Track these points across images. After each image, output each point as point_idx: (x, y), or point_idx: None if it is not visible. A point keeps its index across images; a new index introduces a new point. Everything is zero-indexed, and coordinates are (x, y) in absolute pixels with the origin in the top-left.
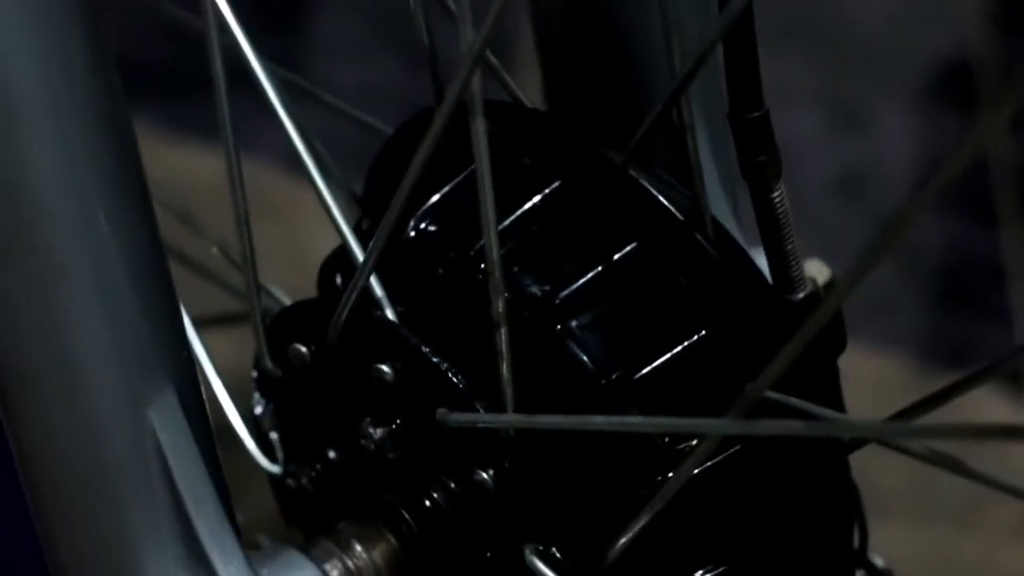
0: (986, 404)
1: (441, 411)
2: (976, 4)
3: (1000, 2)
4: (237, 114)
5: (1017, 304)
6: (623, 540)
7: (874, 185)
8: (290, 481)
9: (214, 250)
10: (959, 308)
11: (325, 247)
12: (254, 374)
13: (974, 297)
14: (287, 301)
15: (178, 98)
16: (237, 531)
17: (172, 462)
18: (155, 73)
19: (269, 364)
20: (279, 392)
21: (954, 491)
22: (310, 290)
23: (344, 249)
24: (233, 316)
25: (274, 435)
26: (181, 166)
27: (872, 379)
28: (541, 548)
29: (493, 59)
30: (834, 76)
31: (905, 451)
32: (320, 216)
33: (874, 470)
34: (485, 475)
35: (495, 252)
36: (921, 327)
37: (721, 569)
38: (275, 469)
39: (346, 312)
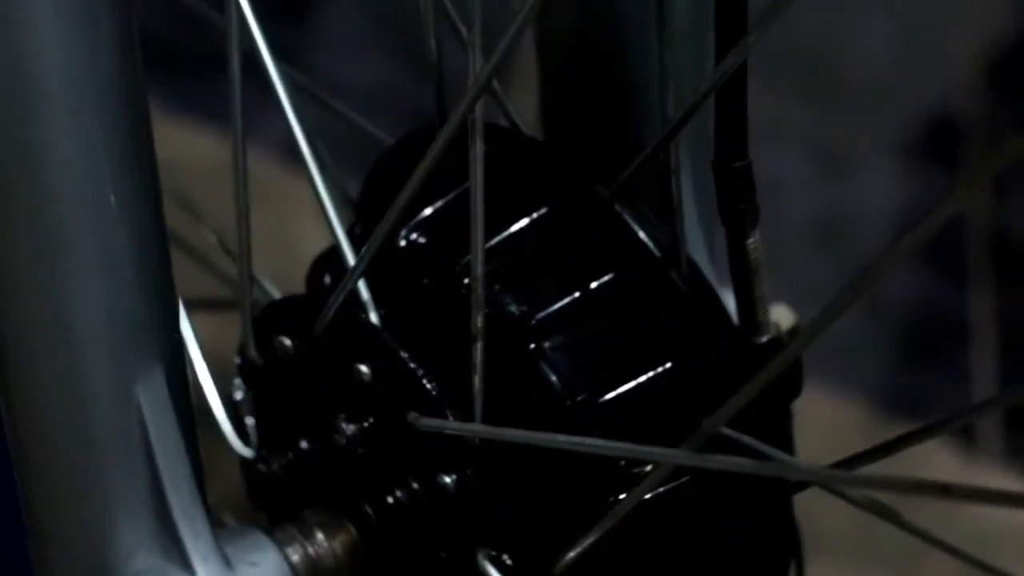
0: (937, 459)
1: (412, 415)
2: (969, 64)
3: (993, 65)
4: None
5: (977, 364)
6: (572, 554)
7: (850, 232)
8: (261, 466)
9: (210, 236)
10: (922, 362)
11: (310, 238)
12: (237, 360)
13: (938, 353)
14: (276, 294)
15: (179, 77)
16: (208, 509)
17: (153, 438)
18: (158, 51)
19: (253, 353)
20: (259, 380)
21: (897, 540)
22: (292, 277)
23: (335, 250)
24: (221, 302)
25: (250, 421)
26: (178, 146)
27: (828, 424)
28: (493, 554)
29: (498, 87)
30: (823, 119)
31: (845, 498)
32: (309, 209)
33: (820, 511)
34: (448, 479)
35: (480, 269)
36: (882, 377)
37: None
38: (248, 453)
39: (332, 311)
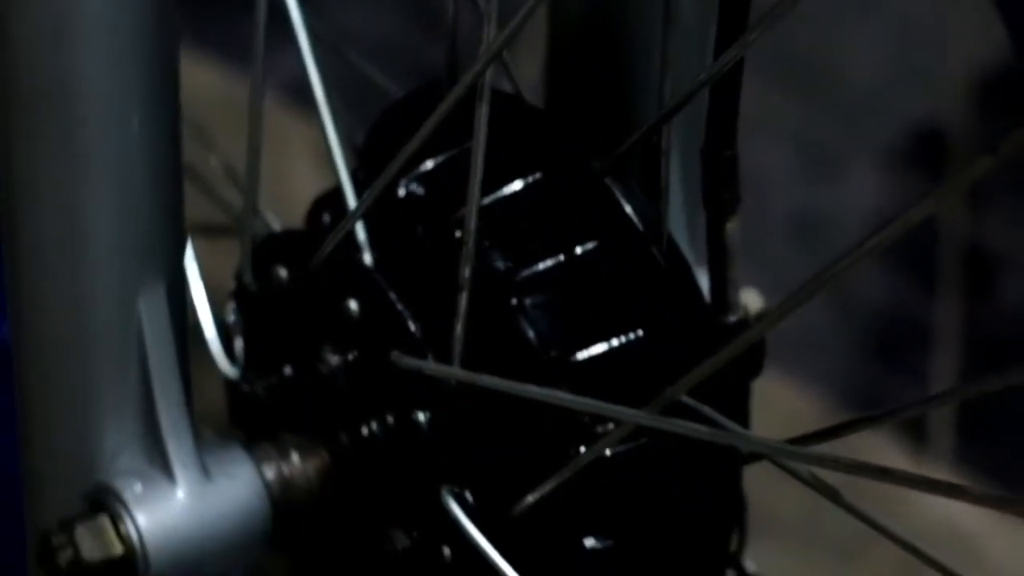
0: (888, 454)
1: (395, 353)
2: (960, 82)
3: (983, 85)
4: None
5: (938, 370)
6: (530, 498)
7: (825, 227)
8: (245, 386)
9: (214, 163)
10: (883, 362)
11: (303, 179)
12: (233, 285)
13: (900, 355)
14: (276, 226)
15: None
16: (193, 421)
17: (149, 349)
18: None
19: (250, 279)
20: (252, 306)
21: (844, 525)
22: (284, 213)
23: (337, 191)
24: (221, 228)
25: (239, 342)
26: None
27: (787, 409)
28: (457, 490)
29: (507, 57)
30: (813, 120)
31: (793, 474)
32: (305, 152)
33: (770, 492)
34: (422, 416)
35: (473, 223)
36: (844, 372)
37: (609, 542)
38: (233, 373)
39: (330, 248)
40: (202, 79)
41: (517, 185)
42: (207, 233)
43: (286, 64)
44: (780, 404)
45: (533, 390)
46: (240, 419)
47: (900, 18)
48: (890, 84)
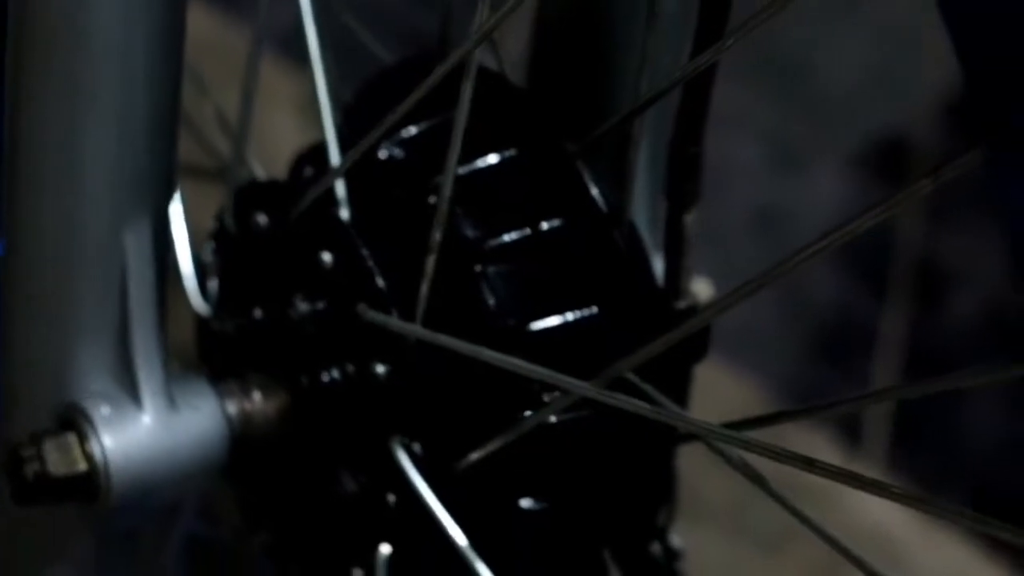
0: (822, 452)
1: (362, 306)
2: (930, 96)
3: (952, 100)
4: None
5: (879, 374)
6: (474, 456)
7: (784, 221)
8: (215, 324)
9: (207, 109)
10: (827, 362)
11: (282, 130)
12: (214, 226)
13: (843, 357)
14: (261, 174)
15: None
16: (165, 353)
17: (130, 280)
18: None
19: (230, 222)
20: (230, 248)
21: (771, 520)
22: (261, 160)
23: (321, 146)
24: (207, 171)
25: (214, 281)
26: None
27: (728, 396)
28: (406, 441)
29: (496, 39)
30: (784, 118)
31: (724, 456)
32: (287, 105)
33: (703, 480)
34: (381, 368)
35: (448, 191)
36: (788, 367)
37: (543, 504)
38: (206, 310)
39: (310, 201)
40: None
41: (493, 159)
42: (193, 174)
43: (277, 14)
44: (722, 392)
45: (488, 354)
46: (208, 355)
47: (879, 27)
48: (862, 90)
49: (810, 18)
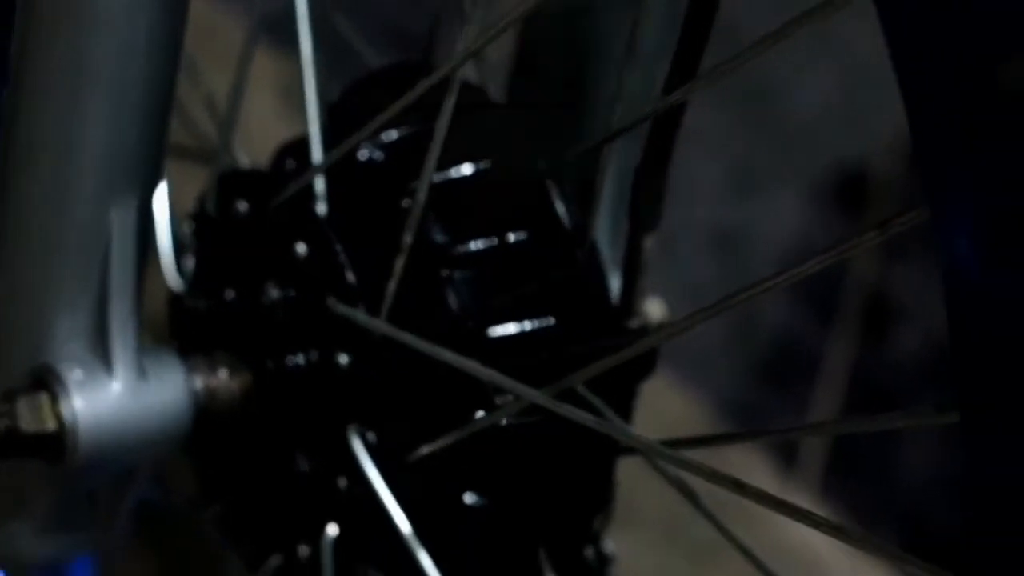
0: (758, 475)
1: (331, 299)
2: (896, 128)
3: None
4: None
5: (821, 403)
6: (425, 450)
7: (741, 243)
8: (189, 302)
9: (196, 93)
10: (771, 385)
11: (262, 116)
12: (194, 208)
13: (787, 382)
14: (245, 162)
15: None
16: (139, 327)
17: (113, 252)
18: None
19: (211, 206)
20: (209, 231)
21: (704, 531)
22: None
23: (303, 141)
24: (193, 153)
25: (190, 261)
26: None
27: (673, 412)
28: (362, 430)
29: (482, 57)
30: (749, 142)
31: (660, 471)
32: (269, 95)
33: (641, 491)
34: (344, 359)
35: (423, 196)
36: (734, 388)
37: (485, 501)
38: (179, 287)
39: (290, 194)
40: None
41: (467, 169)
42: (177, 154)
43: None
44: (666, 410)
45: (447, 354)
46: (179, 331)
47: (850, 63)
48: (829, 122)
49: (780, 49)
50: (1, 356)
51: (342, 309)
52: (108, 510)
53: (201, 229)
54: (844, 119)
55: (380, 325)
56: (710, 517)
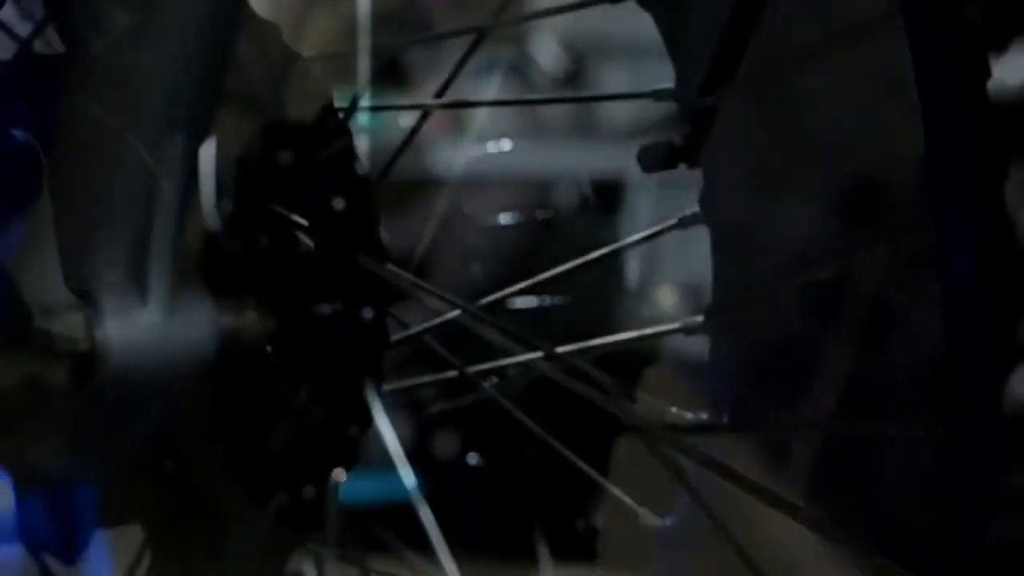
0: (749, 463)
1: (363, 256)
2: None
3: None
4: None
5: (813, 405)
6: (430, 411)
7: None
8: (224, 243)
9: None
10: (764, 388)
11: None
12: (240, 153)
13: (781, 384)
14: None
15: None
16: (176, 262)
17: (160, 192)
18: None
19: (256, 153)
20: (250, 178)
21: None
22: None
23: (351, 99)
24: (243, 100)
25: (228, 204)
26: None
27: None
28: (377, 384)
29: None
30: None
31: (651, 450)
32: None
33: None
34: (369, 312)
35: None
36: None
37: (483, 460)
38: (218, 229)
39: (334, 149)
40: None
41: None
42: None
43: None
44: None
45: (472, 313)
46: (211, 271)
47: (874, 71)
48: (848, 129)
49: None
50: (45, 274)
51: (372, 265)
52: (125, 438)
53: (243, 176)
54: (862, 130)
55: (406, 278)
56: (698, 500)
